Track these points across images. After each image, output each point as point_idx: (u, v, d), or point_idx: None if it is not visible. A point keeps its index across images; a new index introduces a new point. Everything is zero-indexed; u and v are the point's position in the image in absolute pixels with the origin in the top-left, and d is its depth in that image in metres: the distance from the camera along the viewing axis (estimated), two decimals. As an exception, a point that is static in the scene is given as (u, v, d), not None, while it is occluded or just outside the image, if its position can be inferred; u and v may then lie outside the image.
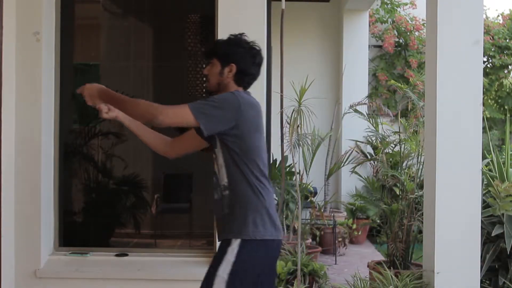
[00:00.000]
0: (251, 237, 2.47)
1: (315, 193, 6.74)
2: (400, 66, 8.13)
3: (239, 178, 2.50)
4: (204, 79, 2.69)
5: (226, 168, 2.53)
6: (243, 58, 2.58)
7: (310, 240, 5.91)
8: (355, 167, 6.59)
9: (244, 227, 2.47)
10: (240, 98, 2.48)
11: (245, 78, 2.61)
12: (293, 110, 4.80)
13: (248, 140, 2.50)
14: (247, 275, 2.47)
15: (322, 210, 6.67)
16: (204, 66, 5.48)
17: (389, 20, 8.19)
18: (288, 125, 4.87)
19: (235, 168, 2.50)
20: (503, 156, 4.68)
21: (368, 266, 4.88)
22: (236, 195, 2.51)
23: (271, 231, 2.52)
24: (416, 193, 4.79)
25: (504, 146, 5.21)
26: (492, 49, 8.13)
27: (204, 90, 5.44)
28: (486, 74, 8.00)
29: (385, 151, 6.02)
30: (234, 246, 2.47)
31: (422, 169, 4.75)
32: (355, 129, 7.37)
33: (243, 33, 2.66)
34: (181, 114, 2.42)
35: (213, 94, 2.63)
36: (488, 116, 8.15)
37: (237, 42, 2.61)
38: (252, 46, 2.62)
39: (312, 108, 4.80)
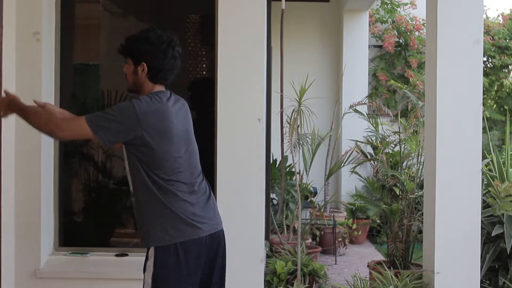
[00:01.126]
0: (162, 243, 2.45)
1: (315, 193, 6.74)
2: (400, 66, 8.12)
3: (142, 184, 2.46)
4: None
5: (131, 175, 2.52)
6: (153, 55, 2.50)
7: (310, 240, 5.90)
8: (355, 167, 6.59)
9: (154, 234, 2.46)
10: (138, 108, 2.40)
11: (159, 74, 2.53)
12: (293, 110, 4.80)
13: (154, 147, 2.43)
14: (169, 278, 2.46)
15: (322, 210, 6.67)
16: (204, 66, 5.51)
17: (389, 20, 8.18)
18: (288, 125, 4.87)
19: (138, 174, 2.46)
20: (503, 156, 4.68)
21: (368, 266, 4.87)
22: (140, 202, 2.49)
23: (187, 232, 2.47)
24: (416, 193, 4.79)
25: (504, 146, 5.21)
26: (492, 49, 8.12)
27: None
28: (486, 74, 7.98)
29: (385, 151, 6.01)
30: (151, 253, 2.48)
31: (422, 169, 4.75)
32: (355, 129, 7.36)
33: (153, 26, 2.58)
34: (77, 127, 2.41)
35: (133, 93, 2.60)
36: (488, 116, 8.15)
37: (145, 39, 2.51)
38: (161, 40, 2.52)
39: (312, 108, 4.80)
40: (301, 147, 5.28)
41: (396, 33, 8.15)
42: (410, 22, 8.16)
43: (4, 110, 2.57)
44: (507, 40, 8.19)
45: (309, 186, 6.27)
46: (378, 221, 6.21)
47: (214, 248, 2.57)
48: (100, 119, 2.39)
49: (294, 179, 5.58)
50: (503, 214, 4.23)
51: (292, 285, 4.42)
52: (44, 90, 4.12)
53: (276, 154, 5.92)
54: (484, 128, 4.65)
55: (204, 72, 5.52)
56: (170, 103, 2.54)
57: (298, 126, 4.81)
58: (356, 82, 7.78)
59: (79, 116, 2.46)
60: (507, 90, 8.35)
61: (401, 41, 8.16)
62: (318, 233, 6.34)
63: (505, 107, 8.29)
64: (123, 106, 2.47)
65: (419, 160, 4.93)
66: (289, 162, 5.69)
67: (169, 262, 2.45)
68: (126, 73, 2.58)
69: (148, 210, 2.48)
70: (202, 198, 2.57)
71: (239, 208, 3.92)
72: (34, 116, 2.49)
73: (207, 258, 2.54)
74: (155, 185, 2.45)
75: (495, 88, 8.37)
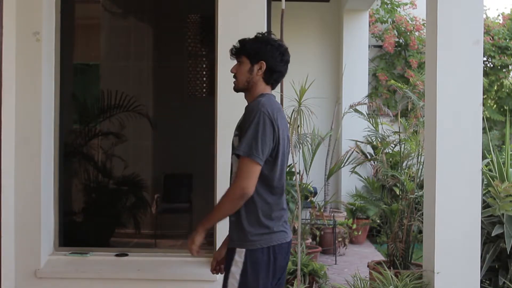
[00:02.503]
0: (256, 246, 2.45)
1: (315, 193, 6.74)
2: (400, 66, 8.13)
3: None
4: (233, 77, 2.65)
5: None
6: (273, 55, 2.58)
7: (310, 240, 5.90)
8: (355, 167, 6.59)
9: (248, 236, 2.45)
10: (269, 115, 2.44)
11: (273, 75, 2.61)
12: (293, 110, 4.79)
13: (277, 149, 2.48)
14: (259, 277, 2.46)
15: (322, 210, 6.67)
16: (204, 66, 5.51)
17: (389, 20, 8.19)
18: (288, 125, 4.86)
19: None
20: (503, 156, 4.67)
21: (368, 266, 4.88)
22: (245, 203, 2.46)
23: (279, 236, 2.52)
24: (416, 193, 4.79)
25: (504, 146, 5.21)
26: (492, 49, 8.12)
27: (204, 90, 5.44)
28: (486, 74, 7.99)
29: (385, 151, 6.02)
30: (240, 256, 2.46)
31: (422, 169, 4.75)
32: (355, 129, 7.37)
33: (270, 31, 2.67)
34: (249, 172, 2.39)
35: (240, 92, 2.64)
36: (488, 116, 8.15)
37: (266, 40, 2.62)
38: (280, 43, 2.64)
39: (312, 108, 4.80)
40: (301, 147, 5.28)
41: (396, 33, 8.15)
42: (410, 22, 8.17)
43: (195, 241, 2.51)
44: (507, 40, 8.19)
45: (309, 186, 6.26)
46: (378, 221, 6.21)
47: (288, 255, 2.62)
48: (251, 148, 2.39)
49: (294, 179, 5.57)
50: (503, 214, 4.23)
51: (292, 285, 4.42)
52: (44, 90, 4.12)
53: (276, 154, 5.91)
54: (484, 128, 4.65)
55: (204, 72, 5.53)
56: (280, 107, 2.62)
57: (298, 126, 4.81)
58: (356, 82, 7.78)
59: (240, 162, 2.42)
60: (507, 90, 8.36)
61: (401, 41, 8.16)
62: (318, 233, 6.34)
63: (505, 107, 8.29)
64: (257, 120, 2.43)
65: (419, 160, 4.93)
66: (289, 162, 5.68)
67: (261, 263, 2.46)
68: (236, 72, 2.62)
69: (250, 213, 2.48)
70: (286, 206, 2.63)
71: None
72: (221, 209, 2.46)
73: (283, 264, 2.59)
74: (261, 192, 2.47)
75: (495, 88, 8.38)
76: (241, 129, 2.48)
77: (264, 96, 2.56)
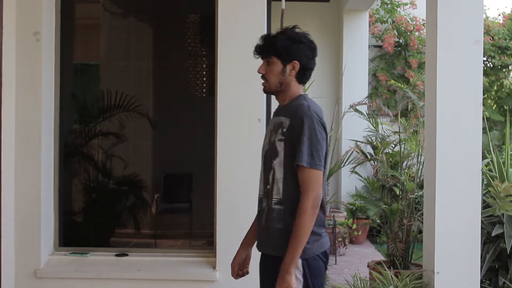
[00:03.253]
0: (312, 254, 2.35)
1: (315, 193, 6.73)
2: (400, 66, 8.12)
3: (297, 194, 2.33)
4: (262, 79, 2.50)
5: (284, 182, 2.39)
6: (305, 53, 2.45)
7: (310, 240, 5.89)
8: (355, 167, 6.59)
9: (305, 244, 2.31)
10: (319, 116, 2.37)
11: (306, 73, 2.49)
12: (293, 110, 4.79)
13: (325, 153, 2.40)
14: (322, 282, 2.41)
15: (322, 210, 6.66)
16: (204, 66, 5.51)
17: (389, 20, 8.18)
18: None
19: (295, 184, 2.35)
20: (503, 156, 4.67)
21: (368, 266, 4.87)
22: (292, 211, 2.33)
23: (325, 240, 2.43)
24: (416, 193, 4.79)
25: (504, 146, 5.21)
26: (492, 49, 8.12)
27: (204, 90, 5.44)
28: (486, 74, 7.99)
29: (385, 151, 6.01)
30: (298, 268, 2.31)
31: (422, 169, 4.75)
32: (355, 129, 7.37)
33: (296, 25, 2.51)
34: (316, 182, 2.30)
35: (270, 94, 2.51)
36: (488, 116, 8.15)
37: (297, 38, 2.45)
38: (310, 39, 2.49)
39: (312, 108, 4.78)
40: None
41: (396, 33, 8.15)
42: (410, 22, 8.17)
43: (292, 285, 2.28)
44: (507, 40, 8.19)
45: (309, 186, 6.26)
46: (378, 221, 6.21)
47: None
48: (313, 154, 2.31)
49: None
50: (503, 214, 4.23)
51: (292, 285, 4.42)
52: (44, 90, 4.12)
53: (276, 154, 5.90)
54: (484, 128, 4.65)
55: (204, 72, 5.53)
56: None
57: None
58: (356, 82, 7.78)
59: (305, 172, 2.32)
60: (507, 90, 8.35)
61: (401, 41, 8.16)
62: (318, 233, 6.33)
63: (505, 107, 8.29)
64: (312, 125, 2.34)
65: (419, 160, 4.93)
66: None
67: (319, 269, 2.38)
68: (265, 73, 2.46)
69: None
70: None
71: (239, 208, 3.91)
72: (305, 229, 2.28)
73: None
74: None
75: (495, 88, 8.37)
76: (292, 135, 2.36)
77: (305, 98, 2.45)
